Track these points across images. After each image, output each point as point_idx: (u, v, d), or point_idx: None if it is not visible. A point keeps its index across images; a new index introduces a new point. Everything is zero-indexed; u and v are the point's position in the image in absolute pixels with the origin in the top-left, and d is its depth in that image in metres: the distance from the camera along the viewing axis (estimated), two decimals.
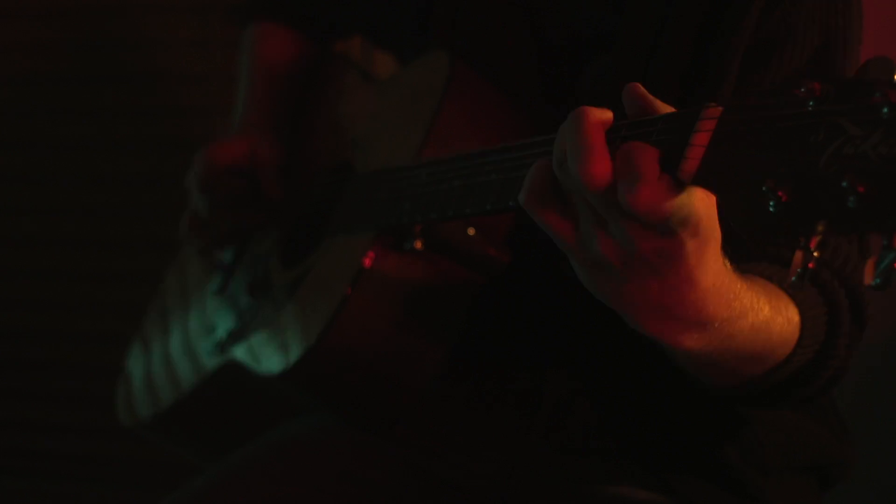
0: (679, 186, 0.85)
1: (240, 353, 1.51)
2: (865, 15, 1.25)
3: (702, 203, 0.87)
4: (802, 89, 0.77)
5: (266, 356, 1.44)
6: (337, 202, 1.49)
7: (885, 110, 0.71)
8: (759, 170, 0.77)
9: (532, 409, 1.38)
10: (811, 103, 0.76)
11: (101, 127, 2.71)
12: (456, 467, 1.40)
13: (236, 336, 1.55)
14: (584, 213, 0.91)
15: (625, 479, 1.36)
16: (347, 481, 1.40)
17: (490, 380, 1.41)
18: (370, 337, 1.33)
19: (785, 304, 1.08)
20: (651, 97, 0.91)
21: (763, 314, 1.03)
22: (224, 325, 1.61)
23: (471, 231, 1.30)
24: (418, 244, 1.30)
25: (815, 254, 0.77)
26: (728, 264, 0.96)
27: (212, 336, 1.62)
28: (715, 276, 0.93)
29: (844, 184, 0.71)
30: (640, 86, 0.92)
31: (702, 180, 0.83)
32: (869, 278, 0.73)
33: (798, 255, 0.78)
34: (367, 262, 1.31)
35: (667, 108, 0.90)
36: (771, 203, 0.76)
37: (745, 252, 1.08)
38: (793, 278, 0.79)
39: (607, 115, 0.91)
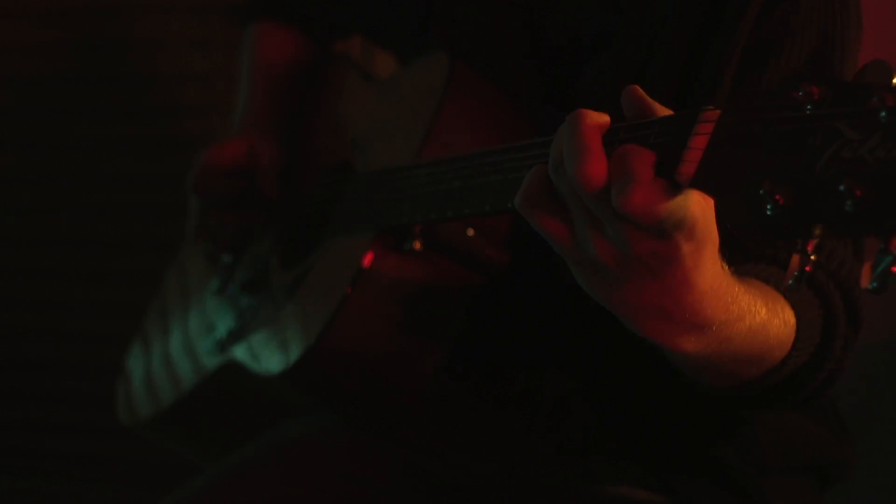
0: (675, 189, 0.85)
1: (240, 352, 1.51)
2: (865, 15, 1.25)
3: (698, 206, 0.87)
4: (800, 93, 0.77)
5: (266, 356, 1.45)
6: (337, 202, 1.49)
7: (883, 114, 0.71)
8: (757, 173, 0.77)
9: (532, 409, 1.38)
10: (809, 107, 0.76)
11: (100, 127, 2.71)
12: (456, 467, 1.40)
13: (236, 336, 1.55)
14: (580, 215, 0.91)
15: (625, 479, 1.36)
16: (347, 481, 1.40)
17: (490, 380, 1.41)
18: (370, 337, 1.33)
19: (781, 307, 1.08)
20: (649, 99, 0.91)
21: (760, 317, 1.03)
22: (224, 324, 1.61)
23: (470, 232, 1.30)
24: (418, 244, 1.30)
25: (812, 257, 0.77)
26: (726, 267, 0.96)
27: (212, 336, 1.62)
28: (712, 279, 0.93)
29: (842, 187, 0.71)
30: (638, 88, 0.92)
31: (699, 183, 0.83)
32: (866, 282, 0.73)
33: (795, 258, 0.78)
34: (367, 262, 1.31)
35: (665, 111, 0.91)
36: (768, 206, 0.76)
37: (742, 253, 1.08)
38: (789, 281, 0.79)
39: (604, 118, 0.91)
